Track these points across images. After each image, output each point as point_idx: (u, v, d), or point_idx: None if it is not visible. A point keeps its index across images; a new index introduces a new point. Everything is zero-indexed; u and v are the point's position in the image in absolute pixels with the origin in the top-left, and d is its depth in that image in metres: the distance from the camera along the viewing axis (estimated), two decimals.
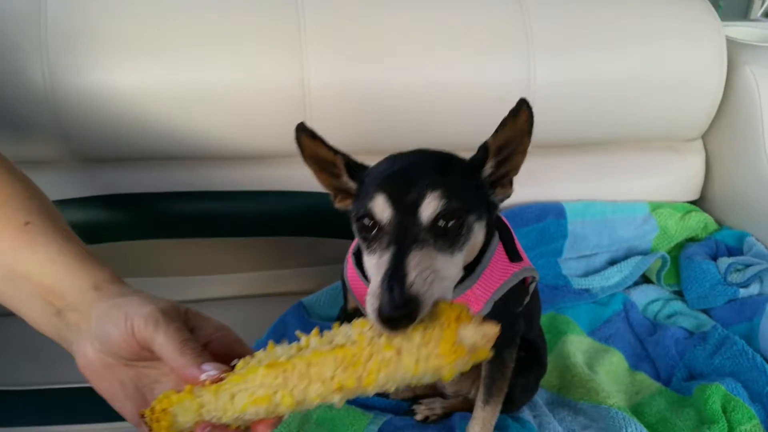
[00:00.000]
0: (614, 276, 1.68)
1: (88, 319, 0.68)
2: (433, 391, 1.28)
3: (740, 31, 1.97)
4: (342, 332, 0.64)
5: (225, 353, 0.69)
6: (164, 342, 0.64)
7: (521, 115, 0.74)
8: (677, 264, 1.73)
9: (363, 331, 0.63)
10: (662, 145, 1.92)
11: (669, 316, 1.60)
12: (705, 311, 1.60)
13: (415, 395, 1.27)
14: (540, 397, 1.29)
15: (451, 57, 1.63)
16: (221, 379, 0.64)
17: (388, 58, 1.59)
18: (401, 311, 0.60)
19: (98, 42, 1.42)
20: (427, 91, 1.61)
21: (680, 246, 1.80)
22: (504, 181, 0.84)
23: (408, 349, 0.60)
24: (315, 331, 0.65)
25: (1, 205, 0.74)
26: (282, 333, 1.40)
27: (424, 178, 0.74)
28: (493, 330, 0.59)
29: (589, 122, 1.79)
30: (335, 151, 0.82)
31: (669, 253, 1.76)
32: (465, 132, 1.68)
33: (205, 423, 0.64)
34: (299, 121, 0.79)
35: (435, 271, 0.67)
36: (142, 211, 1.59)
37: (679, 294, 1.68)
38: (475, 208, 0.78)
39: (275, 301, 1.68)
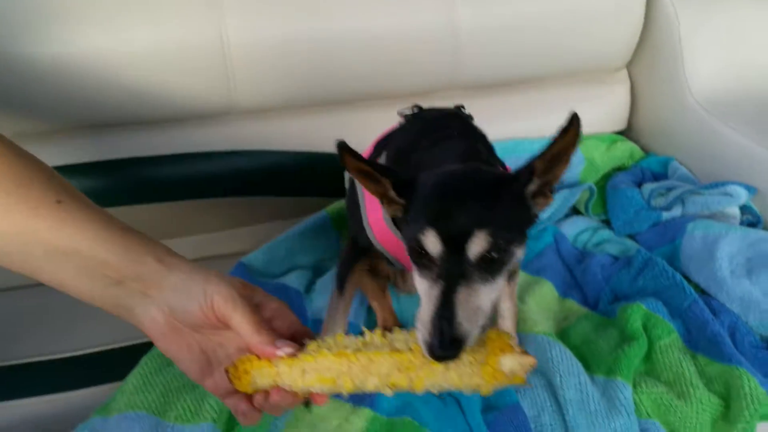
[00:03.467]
0: (544, 210, 1.72)
1: (159, 289, 0.75)
2: None
3: None
4: (401, 338, 0.75)
5: (287, 328, 0.80)
6: (241, 321, 0.74)
7: (571, 132, 0.71)
8: (605, 194, 1.77)
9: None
10: (588, 77, 1.95)
11: (597, 245, 1.64)
12: (631, 237, 1.65)
13: None
14: None
15: (374, 5, 1.62)
16: (294, 355, 0.75)
17: (309, 11, 1.57)
18: (449, 352, 0.68)
19: (52, 13, 1.40)
20: (353, 40, 1.61)
21: (608, 176, 1.84)
22: (545, 190, 0.83)
23: (455, 367, 0.71)
24: (378, 331, 0.76)
25: (29, 186, 0.74)
26: None
27: (473, 213, 0.75)
28: (529, 361, 0.68)
29: (515, 60, 1.80)
30: (381, 173, 0.82)
31: (597, 183, 1.80)
32: (395, 79, 1.71)
33: (279, 388, 0.75)
34: (339, 140, 0.77)
35: (479, 307, 0.73)
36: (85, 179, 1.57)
37: (608, 222, 1.72)
38: (519, 234, 0.80)
39: (214, 263, 1.69)
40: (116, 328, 1.42)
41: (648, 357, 1.21)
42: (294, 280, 1.50)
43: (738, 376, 1.12)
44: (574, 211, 1.80)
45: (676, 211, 1.60)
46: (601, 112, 1.95)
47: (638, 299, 1.32)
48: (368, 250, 1.14)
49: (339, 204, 1.65)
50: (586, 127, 1.96)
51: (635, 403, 1.11)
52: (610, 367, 1.16)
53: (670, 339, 1.23)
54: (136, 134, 1.60)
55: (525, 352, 0.70)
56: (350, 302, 1.24)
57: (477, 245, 0.74)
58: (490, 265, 0.75)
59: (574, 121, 0.70)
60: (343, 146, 0.76)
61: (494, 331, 0.73)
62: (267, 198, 1.75)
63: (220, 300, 0.73)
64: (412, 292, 1.45)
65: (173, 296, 0.75)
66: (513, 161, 1.73)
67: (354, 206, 1.15)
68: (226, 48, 1.50)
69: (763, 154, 1.55)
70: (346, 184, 1.27)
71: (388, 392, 0.73)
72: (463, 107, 1.23)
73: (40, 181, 0.76)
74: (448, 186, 0.81)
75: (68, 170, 1.53)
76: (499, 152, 1.73)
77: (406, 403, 1.11)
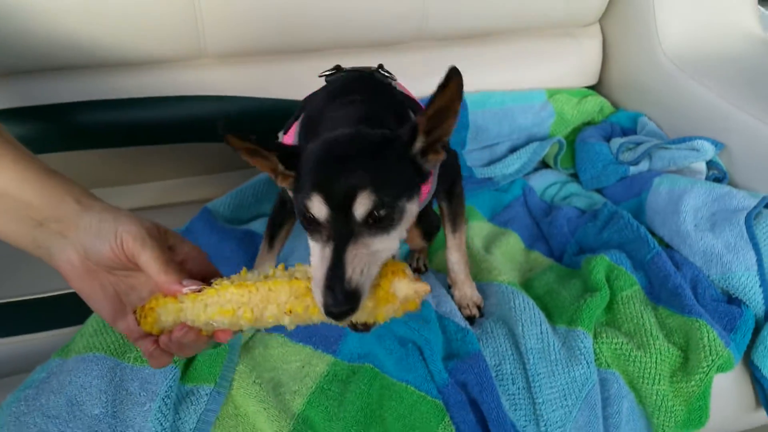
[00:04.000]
0: (514, 163, 1.71)
1: (75, 229, 0.75)
2: None
3: None
4: (302, 270, 0.76)
5: (198, 271, 0.81)
6: (149, 259, 0.75)
7: (451, 86, 0.71)
8: (574, 148, 1.77)
9: None
10: (560, 31, 1.93)
11: (565, 198, 1.65)
12: (599, 191, 1.65)
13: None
14: (438, 278, 1.32)
15: None
16: (198, 292, 0.76)
17: None
18: (343, 308, 0.69)
19: None
20: None
21: (578, 130, 1.83)
22: (437, 146, 0.83)
23: None
24: (281, 266, 0.78)
25: None
26: (191, 239, 1.38)
27: (355, 174, 0.76)
28: (423, 287, 0.71)
29: (486, 12, 1.77)
30: (267, 148, 0.81)
31: (567, 137, 1.79)
32: (365, 28, 1.67)
33: (182, 324, 0.76)
34: (220, 121, 0.76)
35: (372, 254, 0.74)
36: (37, 124, 1.52)
37: (576, 176, 1.72)
38: (406, 189, 0.80)
39: (182, 209, 1.66)
40: None
41: (610, 308, 1.22)
42: (260, 227, 1.48)
43: (697, 328, 1.14)
44: (543, 164, 1.80)
45: (644, 166, 1.61)
46: (573, 66, 1.94)
47: (603, 251, 1.32)
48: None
49: None
50: (558, 81, 1.97)
51: (595, 353, 1.12)
52: (572, 317, 1.16)
53: (632, 290, 1.23)
54: (105, 77, 1.55)
55: (419, 280, 0.72)
56: (275, 257, 1.24)
57: (361, 205, 0.74)
58: (379, 223, 0.76)
59: (452, 75, 0.69)
60: (225, 128, 0.75)
61: (390, 260, 0.75)
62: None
63: (129, 239, 0.74)
64: None
65: (87, 237, 0.75)
66: (483, 114, 1.75)
67: None
68: None
69: (730, 110, 1.55)
70: None
71: (287, 321, 0.74)
72: (382, 66, 1.19)
73: None
74: (329, 151, 0.81)
75: (28, 112, 1.49)
76: (470, 105, 1.74)
77: (367, 350, 1.10)
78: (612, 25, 1.95)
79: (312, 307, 0.72)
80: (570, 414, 1.05)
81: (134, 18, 1.44)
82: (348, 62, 1.69)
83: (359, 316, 0.73)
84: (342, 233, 0.74)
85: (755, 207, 1.31)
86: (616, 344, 1.13)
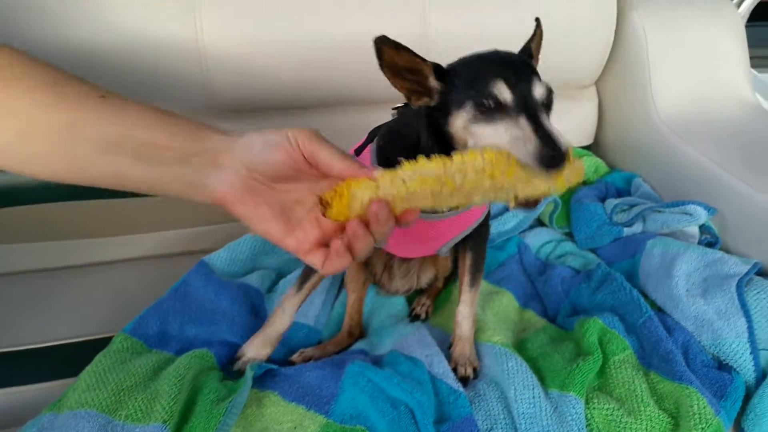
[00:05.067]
0: (510, 221, 1.74)
1: (230, 153, 0.77)
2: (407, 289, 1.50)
3: None
4: (485, 149, 0.78)
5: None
6: (330, 153, 0.77)
7: (539, 31, 1.04)
8: (569, 207, 1.79)
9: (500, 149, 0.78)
10: (558, 93, 1.94)
11: (560, 257, 1.66)
12: (593, 251, 1.67)
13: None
14: (433, 336, 1.33)
15: (350, 11, 1.62)
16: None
17: (284, 11, 1.57)
18: (562, 161, 0.75)
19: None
20: (329, 45, 1.61)
21: (573, 190, 1.85)
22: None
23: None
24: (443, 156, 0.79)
25: (66, 84, 0.76)
26: (185, 293, 1.39)
27: (527, 67, 0.91)
28: (580, 165, 0.78)
29: None
30: (422, 59, 0.91)
31: (562, 197, 1.81)
32: (368, 85, 1.69)
33: (378, 199, 0.75)
34: (377, 36, 0.87)
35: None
36: None
37: (571, 235, 1.74)
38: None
39: (178, 260, 1.68)
40: (71, 322, 1.42)
41: (602, 372, 1.23)
42: (256, 280, 1.50)
43: (688, 395, 1.14)
44: (539, 222, 1.82)
45: (637, 228, 1.63)
46: (570, 127, 1.98)
47: (596, 313, 1.33)
48: None
49: None
50: None
51: (587, 419, 1.13)
52: (564, 381, 1.17)
53: (624, 355, 1.24)
54: None
55: (576, 160, 0.79)
56: (303, 300, 1.28)
57: (540, 88, 0.87)
58: (547, 107, 0.88)
59: (539, 23, 1.00)
60: (383, 39, 0.85)
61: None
62: None
63: (305, 140, 0.77)
64: (392, 294, 1.50)
65: (250, 154, 0.78)
66: None
67: None
68: (201, 48, 1.49)
69: (722, 175, 1.58)
70: None
71: (487, 185, 0.76)
72: None
73: (77, 81, 0.77)
74: (491, 57, 0.94)
75: None
76: None
77: (359, 411, 1.10)
78: (608, 87, 2.00)
79: (508, 171, 0.76)
80: None
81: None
82: (352, 119, 1.74)
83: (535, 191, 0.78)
84: (532, 106, 0.84)
85: (746, 273, 1.33)
86: (607, 410, 1.13)
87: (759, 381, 1.22)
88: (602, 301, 1.41)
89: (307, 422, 1.09)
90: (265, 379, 1.17)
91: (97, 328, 1.37)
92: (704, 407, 1.13)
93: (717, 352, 1.26)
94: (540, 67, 1.83)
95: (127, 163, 0.76)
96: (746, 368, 1.23)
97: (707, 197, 1.59)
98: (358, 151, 1.19)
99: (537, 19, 0.94)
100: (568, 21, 1.80)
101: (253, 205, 0.79)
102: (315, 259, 0.80)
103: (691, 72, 1.87)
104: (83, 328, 1.40)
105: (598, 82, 2.01)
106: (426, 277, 1.49)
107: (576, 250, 1.67)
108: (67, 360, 1.28)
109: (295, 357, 1.33)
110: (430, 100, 0.95)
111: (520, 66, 0.90)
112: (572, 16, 1.80)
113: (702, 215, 1.55)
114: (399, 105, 1.26)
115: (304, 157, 0.78)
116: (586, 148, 2.00)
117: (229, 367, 1.24)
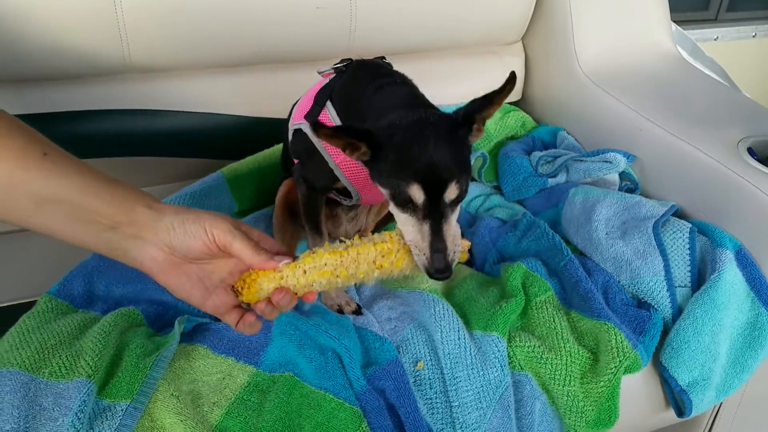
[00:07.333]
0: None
1: (154, 231, 0.84)
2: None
3: None
4: (377, 237, 0.93)
5: (270, 248, 0.92)
6: (241, 247, 0.86)
7: (509, 87, 0.93)
8: (497, 161, 1.82)
9: (393, 236, 0.93)
10: (485, 50, 1.99)
11: (488, 209, 1.69)
12: (520, 202, 1.70)
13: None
14: (358, 291, 1.35)
15: None
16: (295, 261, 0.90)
17: None
18: (447, 274, 0.90)
19: None
20: (251, 3, 1.58)
21: (501, 144, 1.88)
22: (480, 126, 1.00)
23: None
24: (356, 236, 0.93)
25: (12, 137, 0.80)
26: None
27: (446, 167, 0.90)
28: (466, 244, 0.94)
29: (411, 30, 1.82)
30: (356, 137, 0.93)
31: (491, 151, 1.84)
32: (291, 44, 1.69)
33: (281, 288, 0.89)
34: (312, 121, 0.96)
35: (455, 227, 0.93)
36: None
37: (499, 188, 1.77)
38: (468, 167, 0.97)
39: None
40: (4, 287, 1.39)
41: (525, 313, 1.26)
42: None
43: (606, 331, 1.19)
44: None
45: (561, 178, 1.66)
46: (496, 82, 1.95)
47: (521, 259, 1.37)
48: (327, 190, 1.29)
49: (235, 165, 1.62)
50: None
51: (509, 356, 1.16)
52: (488, 322, 1.20)
53: (546, 296, 1.28)
54: (29, 91, 1.54)
55: (464, 237, 0.95)
56: (326, 238, 1.32)
57: (452, 192, 0.91)
58: (457, 202, 0.93)
59: (512, 79, 0.92)
60: (318, 126, 0.88)
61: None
62: (164, 159, 1.72)
63: (220, 233, 0.85)
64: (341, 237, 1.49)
65: (171, 237, 0.85)
66: None
67: (308, 153, 1.21)
68: (118, 5, 1.45)
69: (642, 123, 1.62)
70: (289, 136, 1.30)
71: (376, 274, 0.90)
72: (384, 58, 1.32)
73: (22, 135, 0.81)
74: (416, 139, 0.92)
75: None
76: None
77: (288, 359, 1.11)
78: (533, 43, 2.02)
79: (396, 263, 0.91)
80: (485, 416, 1.08)
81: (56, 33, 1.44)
82: (275, 77, 1.72)
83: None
84: (436, 214, 0.90)
85: (663, 215, 1.37)
86: (528, 347, 1.17)
87: (675, 317, 1.28)
88: (527, 248, 1.44)
89: (236, 372, 1.09)
90: (194, 333, 1.16)
91: (29, 293, 1.33)
92: (622, 341, 1.17)
93: (636, 291, 1.31)
94: (464, 24, 1.87)
95: (60, 221, 0.82)
96: (663, 305, 1.28)
97: (628, 145, 1.64)
98: (312, 117, 1.20)
99: (512, 73, 0.93)
100: None
101: (175, 276, 0.88)
102: (230, 320, 0.92)
103: (612, 26, 1.92)
104: (16, 293, 1.37)
105: (524, 39, 2.03)
106: (371, 217, 1.53)
107: (504, 203, 1.70)
108: None
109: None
110: (364, 156, 0.98)
111: (440, 168, 0.90)
112: None
113: (621, 162, 1.59)
114: (339, 62, 1.25)
115: (219, 248, 0.86)
116: (514, 104, 2.02)
117: (157, 323, 1.23)
